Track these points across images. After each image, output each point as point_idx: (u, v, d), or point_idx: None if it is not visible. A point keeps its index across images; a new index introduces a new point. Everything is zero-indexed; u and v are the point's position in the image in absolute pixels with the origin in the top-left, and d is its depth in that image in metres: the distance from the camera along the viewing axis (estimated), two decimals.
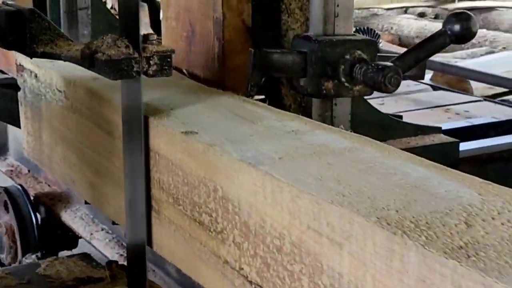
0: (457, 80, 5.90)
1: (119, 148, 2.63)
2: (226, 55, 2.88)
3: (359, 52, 2.72)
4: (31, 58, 2.48)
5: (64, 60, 2.43)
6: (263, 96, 2.86)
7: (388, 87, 2.59)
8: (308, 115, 2.76)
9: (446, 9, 10.32)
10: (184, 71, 3.06)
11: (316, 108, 2.83)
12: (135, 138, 2.34)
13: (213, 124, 2.36)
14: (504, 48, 8.37)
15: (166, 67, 2.26)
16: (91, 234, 4.23)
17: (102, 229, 4.26)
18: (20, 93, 3.36)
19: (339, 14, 2.78)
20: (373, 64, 2.65)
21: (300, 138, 2.23)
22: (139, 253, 2.37)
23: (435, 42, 2.71)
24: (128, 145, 2.34)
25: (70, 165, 3.03)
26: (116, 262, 2.78)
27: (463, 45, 8.19)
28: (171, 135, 2.34)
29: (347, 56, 2.72)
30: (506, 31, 9.27)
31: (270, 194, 1.96)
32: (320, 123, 2.37)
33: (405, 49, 3.59)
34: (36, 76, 3.18)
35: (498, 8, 10.04)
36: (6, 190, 4.47)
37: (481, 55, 7.69)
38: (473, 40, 8.36)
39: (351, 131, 2.53)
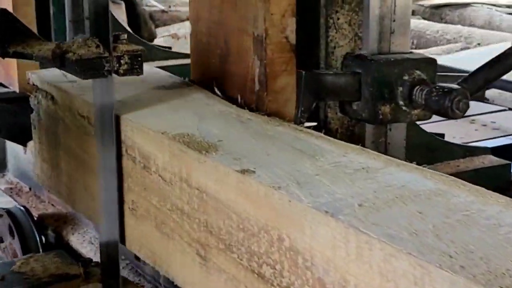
0: None
1: (156, 183, 2.35)
2: (268, 76, 2.60)
3: (418, 72, 2.46)
4: (3, 58, 2.46)
5: (36, 60, 2.43)
6: (314, 123, 2.58)
7: (455, 113, 2.32)
8: (357, 141, 2.48)
9: (422, 5, 10.11)
10: (217, 91, 2.77)
11: (370, 134, 2.55)
12: (107, 136, 2.37)
13: (270, 160, 2.08)
14: (478, 44, 8.20)
15: (136, 66, 2.28)
16: None
17: None
18: (33, 116, 3.06)
19: (395, 30, 2.51)
20: (436, 87, 2.38)
21: (374, 178, 1.95)
22: (112, 250, 2.41)
23: (508, 61, 2.44)
24: (101, 143, 2.39)
25: (93, 197, 2.74)
26: (90, 259, 2.86)
27: (438, 41, 8.09)
28: (223, 173, 2.06)
29: (406, 77, 2.45)
30: (481, 27, 9.11)
31: (355, 250, 1.68)
32: (391, 158, 2.09)
33: None
34: (52, 98, 2.89)
35: (473, 5, 9.86)
36: (9, 212, 4.16)
37: (456, 51, 7.55)
38: (448, 36, 8.28)
39: (406, 161, 2.25)
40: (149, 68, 3.12)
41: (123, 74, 2.30)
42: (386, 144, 2.52)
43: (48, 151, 3.00)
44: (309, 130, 2.33)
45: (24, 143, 4.43)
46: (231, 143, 2.23)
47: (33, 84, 3.02)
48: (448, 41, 8.21)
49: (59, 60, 2.27)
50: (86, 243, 4.17)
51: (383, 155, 2.12)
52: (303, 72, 2.43)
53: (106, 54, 2.24)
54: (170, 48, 5.04)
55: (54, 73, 3.04)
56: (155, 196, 2.36)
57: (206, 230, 2.15)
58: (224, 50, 2.77)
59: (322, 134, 2.29)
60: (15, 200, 4.66)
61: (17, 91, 4.31)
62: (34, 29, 4.22)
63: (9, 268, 2.81)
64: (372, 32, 2.48)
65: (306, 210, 1.80)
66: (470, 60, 6.49)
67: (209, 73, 2.85)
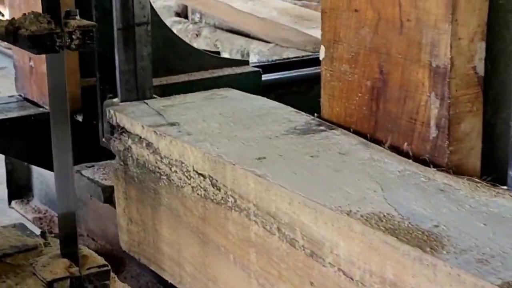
0: None
1: (332, 279, 1.73)
2: (451, 120, 1.97)
3: None
4: None
5: None
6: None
7: None
8: None
9: None
10: (369, 136, 2.15)
11: None
12: (61, 108, 2.35)
13: None
14: None
15: (88, 41, 2.28)
16: None
17: None
18: (116, 162, 2.42)
19: None
20: None
21: None
22: (69, 221, 2.42)
23: None
24: (54, 114, 2.37)
25: (212, 277, 2.11)
26: (50, 230, 2.97)
27: None
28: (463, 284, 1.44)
29: None
30: None
31: None
32: None
33: None
34: (149, 145, 2.25)
35: None
36: None
37: None
38: None
39: None
40: (261, 100, 2.48)
41: (75, 49, 2.29)
42: None
43: (141, 211, 2.36)
44: None
45: None
46: (454, 230, 1.61)
47: (119, 125, 2.37)
48: None
49: (12, 36, 2.27)
50: None
51: None
52: None
53: (58, 30, 2.25)
54: (219, 53, 4.38)
55: (144, 110, 2.40)
56: None
57: None
58: (378, 83, 2.13)
59: None
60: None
61: None
62: None
63: None
64: None
65: None
66: None
67: (353, 111, 2.22)
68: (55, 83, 2.38)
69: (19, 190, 4.32)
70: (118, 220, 2.48)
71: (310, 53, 5.37)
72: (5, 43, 3.66)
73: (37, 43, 2.22)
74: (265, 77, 4.19)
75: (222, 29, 7.39)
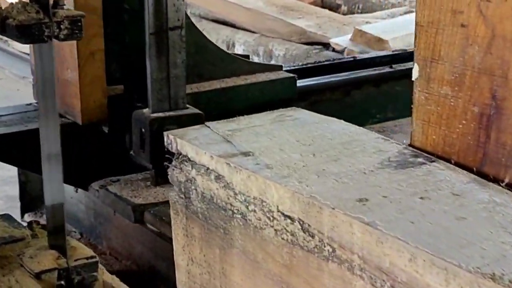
0: (376, 39, 5.88)
1: None
2: None
3: None
4: None
5: None
6: None
7: None
8: None
9: None
10: (475, 170, 1.86)
11: None
12: (49, 98, 2.42)
13: None
14: None
15: (76, 31, 2.30)
16: None
17: None
18: (175, 195, 2.12)
19: None
20: None
21: None
22: (58, 212, 2.46)
23: None
24: (42, 105, 2.44)
25: None
26: (37, 221, 2.83)
27: (383, 5, 8.04)
28: None
29: None
30: None
31: None
32: None
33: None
34: (220, 178, 1.95)
35: None
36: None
37: (400, 14, 7.26)
38: (393, 0, 8.14)
39: None
40: (340, 124, 2.19)
41: (64, 39, 2.31)
42: None
43: (205, 251, 2.06)
44: None
45: (85, 187, 3.49)
46: None
47: (179, 153, 2.07)
48: (393, 5, 7.95)
49: (0, 26, 2.29)
50: None
51: None
52: None
53: (46, 20, 2.27)
54: (248, 56, 4.08)
55: (208, 136, 2.10)
56: None
57: None
58: (490, 109, 1.84)
59: None
60: None
61: (80, 122, 3.36)
62: (102, 42, 3.29)
63: None
64: None
65: None
66: (412, 23, 6.05)
67: (454, 141, 1.93)
68: (43, 74, 2.40)
69: (32, 202, 4.06)
70: (175, 258, 2.18)
71: (344, 57, 5.11)
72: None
73: (25, 33, 2.26)
74: (298, 82, 3.93)
75: (207, 19, 7.30)
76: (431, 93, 1.98)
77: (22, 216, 4.01)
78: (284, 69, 3.96)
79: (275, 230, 1.82)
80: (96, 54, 3.28)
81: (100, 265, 2.58)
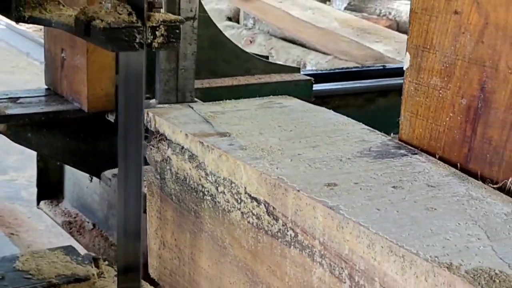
0: None
1: None
2: None
3: None
4: (16, 22, 2.20)
5: (55, 27, 2.13)
6: None
7: None
8: None
9: None
10: (459, 166, 1.76)
11: None
12: (136, 121, 1.92)
13: None
14: None
15: (173, 40, 2.00)
16: None
17: None
18: (151, 175, 2.04)
19: None
20: None
21: None
22: (132, 248, 1.98)
23: None
24: (125, 128, 1.95)
25: None
26: (103, 258, 2.58)
27: None
28: None
29: None
30: None
31: None
32: None
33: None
34: (193, 158, 1.87)
35: None
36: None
37: None
38: None
39: None
40: (328, 114, 2.10)
41: (158, 48, 1.99)
42: None
43: (177, 235, 1.98)
44: None
45: (96, 174, 3.42)
46: None
47: (158, 132, 2.00)
48: None
49: (84, 28, 1.97)
50: None
51: None
52: None
53: (139, 24, 1.94)
54: (267, 57, 4.00)
55: (188, 116, 2.02)
56: None
57: None
58: (477, 102, 1.74)
59: None
60: (77, 240, 3.63)
61: (85, 109, 3.30)
62: None
63: (10, 265, 2.43)
64: None
65: None
66: None
67: (440, 135, 1.83)
68: (128, 89, 2.02)
69: (49, 190, 3.98)
70: (148, 242, 2.10)
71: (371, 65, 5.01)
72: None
73: (113, 37, 1.91)
74: (319, 86, 3.84)
75: (277, 37, 7.09)
76: (420, 83, 1.89)
77: (38, 203, 3.95)
78: (312, 72, 3.88)
79: (241, 213, 1.74)
80: None
81: None
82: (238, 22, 8.18)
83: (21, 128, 3.27)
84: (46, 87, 3.51)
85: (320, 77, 3.90)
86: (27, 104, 3.35)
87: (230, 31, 7.57)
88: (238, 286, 1.78)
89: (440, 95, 1.83)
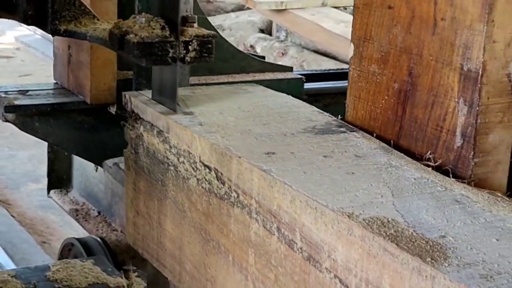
0: None
1: (328, 286, 1.58)
2: (479, 129, 1.82)
3: None
4: (52, 36, 2.31)
5: (90, 41, 2.23)
6: None
7: None
8: None
9: None
10: (392, 143, 2.00)
11: None
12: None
13: None
14: None
15: (205, 54, 2.05)
16: None
17: None
18: (128, 151, 2.30)
19: None
20: None
21: None
22: None
23: None
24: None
25: (210, 277, 1.98)
26: (134, 269, 2.65)
27: None
28: None
29: None
30: None
31: None
32: None
33: None
34: (160, 133, 2.12)
35: None
36: (85, 244, 3.38)
37: None
38: None
39: None
40: (286, 98, 2.35)
41: (190, 62, 2.04)
42: None
43: (147, 203, 2.24)
44: None
45: (99, 163, 3.69)
46: (462, 242, 1.45)
47: (133, 111, 2.26)
48: None
49: (118, 42, 2.03)
50: None
51: None
52: None
53: (173, 38, 1.99)
54: (264, 57, 4.25)
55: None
56: None
57: None
58: (406, 86, 1.98)
59: None
60: (82, 226, 3.90)
61: (88, 101, 3.57)
62: None
63: (42, 274, 2.50)
64: None
65: None
66: None
67: (377, 115, 2.07)
68: (163, 102, 2.14)
69: (59, 180, 4.25)
70: (126, 212, 2.36)
71: None
72: None
73: (146, 52, 1.98)
74: (311, 85, 4.07)
75: (309, 49, 7.16)
76: (362, 70, 2.13)
77: (48, 193, 4.22)
78: (306, 72, 4.11)
79: (197, 179, 1.99)
80: None
81: None
82: (270, 34, 8.24)
83: (29, 118, 3.54)
84: (55, 81, 3.79)
85: (314, 77, 4.14)
86: (35, 96, 3.63)
87: (262, 43, 7.62)
88: (195, 244, 2.03)
89: (378, 80, 2.07)
